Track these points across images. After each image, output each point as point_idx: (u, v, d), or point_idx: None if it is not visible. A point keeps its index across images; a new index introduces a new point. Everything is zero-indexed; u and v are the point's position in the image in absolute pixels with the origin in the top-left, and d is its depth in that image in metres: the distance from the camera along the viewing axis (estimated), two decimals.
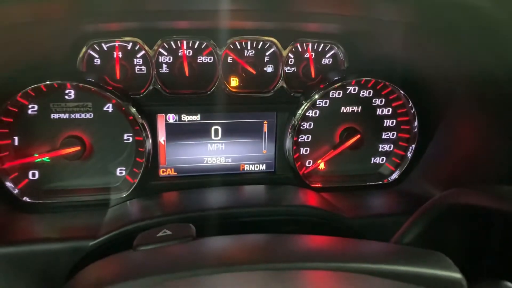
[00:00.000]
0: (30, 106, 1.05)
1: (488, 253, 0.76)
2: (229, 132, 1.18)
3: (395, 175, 1.25)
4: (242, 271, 0.50)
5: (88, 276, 0.63)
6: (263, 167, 1.23)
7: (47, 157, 1.07)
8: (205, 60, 1.14)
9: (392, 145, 1.26)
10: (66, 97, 1.07)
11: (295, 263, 0.53)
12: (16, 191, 1.06)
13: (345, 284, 0.47)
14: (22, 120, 1.05)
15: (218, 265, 0.53)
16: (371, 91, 1.20)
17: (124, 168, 1.13)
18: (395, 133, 1.25)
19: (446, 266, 0.58)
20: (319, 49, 1.19)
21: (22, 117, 1.05)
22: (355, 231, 1.01)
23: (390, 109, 1.23)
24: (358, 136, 1.20)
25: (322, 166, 1.25)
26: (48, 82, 1.01)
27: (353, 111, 1.21)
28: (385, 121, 1.23)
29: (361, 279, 0.48)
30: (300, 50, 1.18)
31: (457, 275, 0.57)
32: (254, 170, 1.23)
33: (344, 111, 1.21)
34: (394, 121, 1.24)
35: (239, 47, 1.15)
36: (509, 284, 0.58)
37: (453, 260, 0.59)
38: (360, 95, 1.20)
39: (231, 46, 1.14)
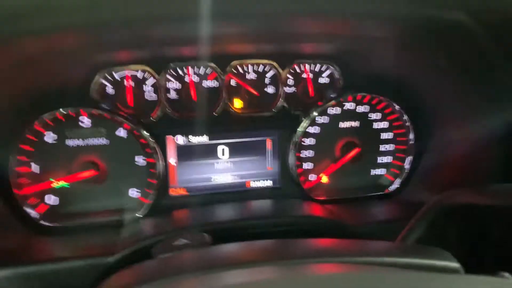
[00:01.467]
0: (47, 134, 1.12)
1: (486, 248, 0.81)
2: (235, 151, 1.24)
3: (395, 185, 1.30)
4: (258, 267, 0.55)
5: (111, 284, 0.67)
6: (268, 183, 1.28)
7: (64, 182, 1.13)
8: (210, 84, 1.22)
9: (390, 157, 1.32)
10: (81, 124, 1.14)
11: (305, 259, 0.58)
12: (34, 215, 1.11)
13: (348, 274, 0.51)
14: (40, 147, 1.11)
15: (235, 263, 0.58)
16: (368, 107, 1.28)
17: (136, 189, 1.19)
18: (393, 145, 1.31)
19: (445, 257, 0.63)
20: (316, 69, 1.27)
21: (40, 144, 1.11)
22: (358, 237, 1.05)
23: (386, 122, 1.29)
24: (357, 149, 1.27)
25: (325, 179, 1.30)
26: (63, 111, 1.09)
27: (351, 126, 1.28)
28: (382, 134, 1.30)
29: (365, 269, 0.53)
30: (298, 71, 1.26)
31: (456, 265, 0.61)
32: (260, 186, 1.28)
33: (343, 126, 1.28)
34: (391, 134, 1.30)
35: (241, 71, 1.23)
36: (506, 274, 0.63)
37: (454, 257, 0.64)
38: (357, 111, 1.28)
39: (233, 70, 1.22)
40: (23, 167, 1.10)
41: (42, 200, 1.14)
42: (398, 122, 1.28)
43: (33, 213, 1.11)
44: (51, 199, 1.15)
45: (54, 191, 1.14)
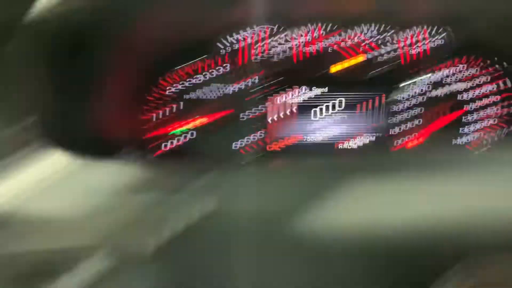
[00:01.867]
0: (170, 87, 1.27)
1: None
2: (331, 112, 1.31)
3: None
4: None
5: None
6: (359, 144, 1.33)
7: (179, 129, 1.29)
8: (315, 47, 1.28)
9: (493, 121, 1.30)
10: (198, 79, 1.27)
11: None
12: (154, 158, 1.28)
13: None
14: (163, 99, 1.27)
15: None
16: (475, 69, 1.26)
17: (239, 143, 1.32)
18: (497, 108, 1.29)
19: None
20: (422, 33, 1.27)
21: (163, 96, 1.27)
22: None
23: (494, 86, 1.27)
24: (458, 112, 1.27)
25: (414, 144, 1.33)
26: (183, 68, 1.24)
27: (453, 91, 1.28)
28: (488, 98, 1.28)
29: None
30: (403, 35, 1.27)
31: None
32: (351, 146, 1.34)
33: (443, 92, 1.28)
34: (497, 97, 1.28)
35: (344, 36, 1.28)
36: None
37: None
38: (463, 75, 1.27)
39: (338, 35, 1.27)
40: (147, 116, 1.27)
41: (161, 145, 1.31)
42: (506, 86, 1.26)
43: (151, 156, 1.29)
44: (168, 144, 1.31)
45: (171, 138, 1.31)
